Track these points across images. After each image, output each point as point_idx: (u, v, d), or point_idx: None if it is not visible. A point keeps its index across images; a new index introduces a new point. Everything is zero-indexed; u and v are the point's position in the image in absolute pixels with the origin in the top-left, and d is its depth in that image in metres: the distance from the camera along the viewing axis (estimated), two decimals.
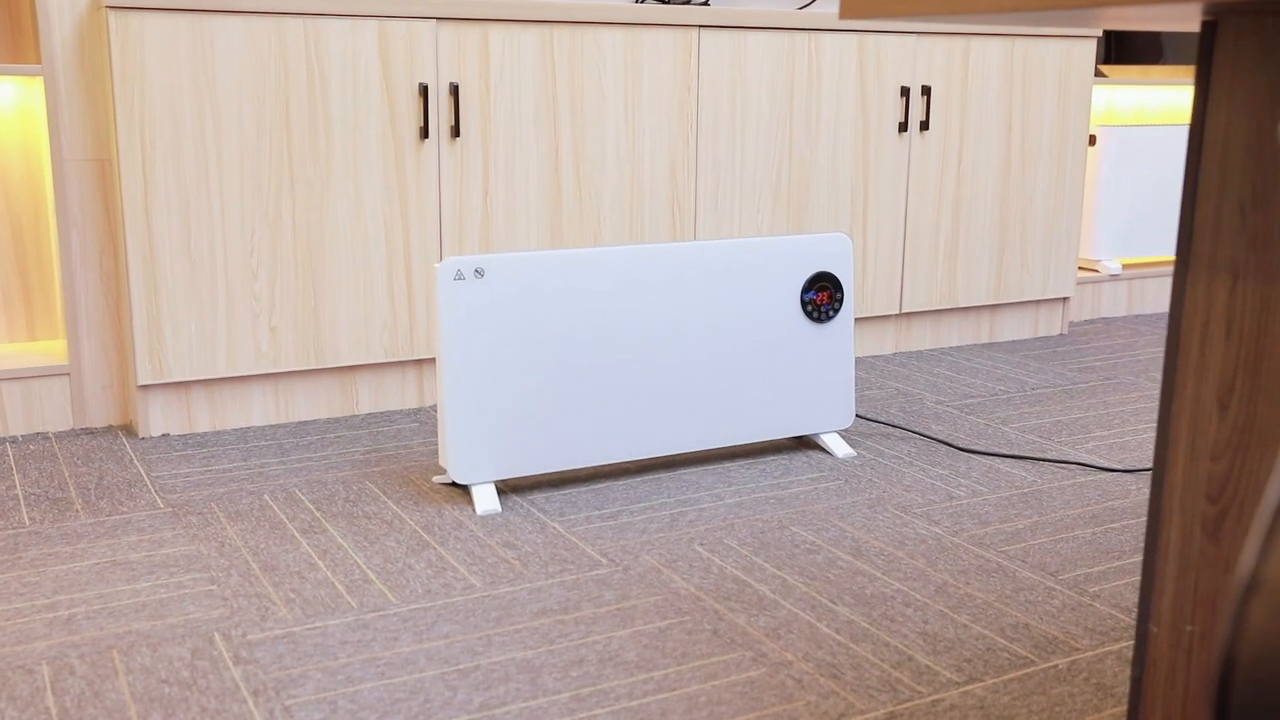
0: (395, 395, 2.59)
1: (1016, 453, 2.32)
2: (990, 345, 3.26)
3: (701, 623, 1.59)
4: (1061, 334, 3.41)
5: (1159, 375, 2.94)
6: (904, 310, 3.12)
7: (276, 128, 2.35)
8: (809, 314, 2.26)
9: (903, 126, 3.01)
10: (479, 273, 1.97)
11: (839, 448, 2.30)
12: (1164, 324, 3.56)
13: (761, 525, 1.93)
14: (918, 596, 1.67)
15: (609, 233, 2.69)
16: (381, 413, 2.57)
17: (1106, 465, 2.24)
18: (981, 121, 3.12)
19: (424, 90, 2.45)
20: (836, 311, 2.29)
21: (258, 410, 2.46)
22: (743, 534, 1.90)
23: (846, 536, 1.89)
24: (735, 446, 2.32)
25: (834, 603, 1.65)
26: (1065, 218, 3.30)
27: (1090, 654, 1.51)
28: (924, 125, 3.03)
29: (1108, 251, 3.66)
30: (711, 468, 2.21)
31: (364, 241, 2.46)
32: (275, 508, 2.00)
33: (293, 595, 1.66)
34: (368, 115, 2.42)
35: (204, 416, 2.42)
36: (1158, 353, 3.19)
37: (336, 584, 1.70)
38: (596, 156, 2.65)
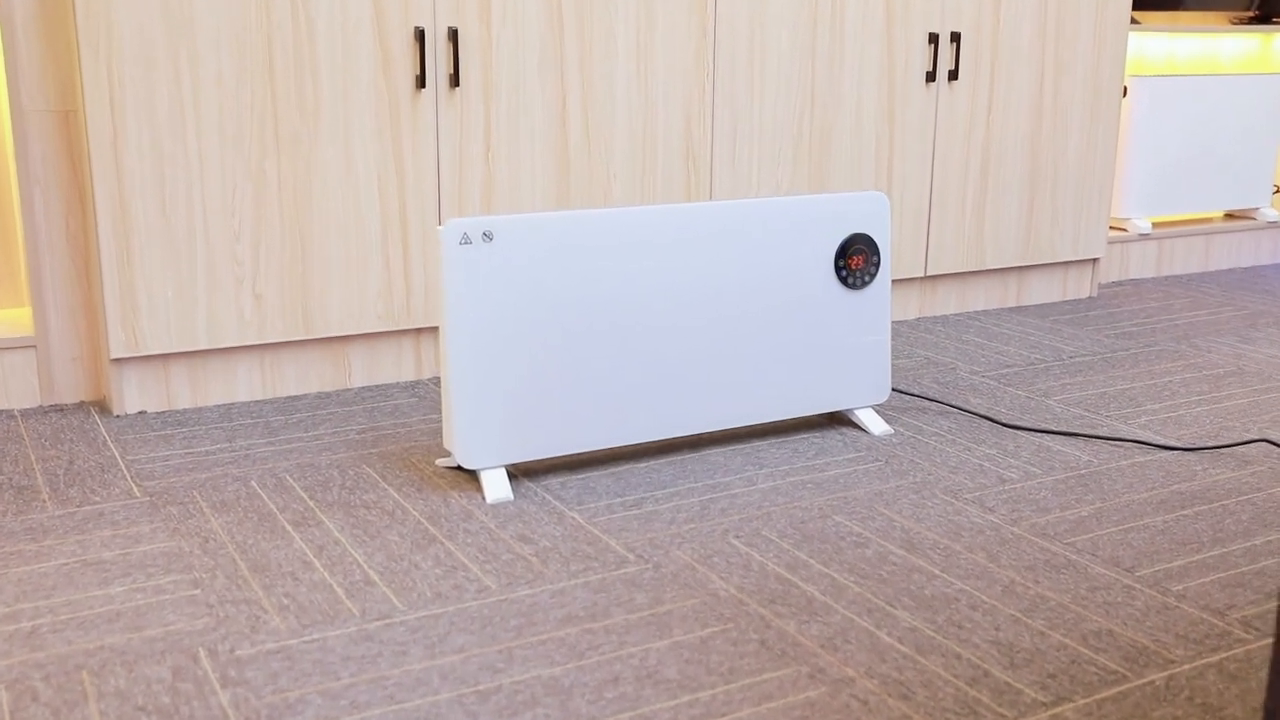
0: (391, 367, 2.40)
1: (1065, 429, 2.15)
2: (1018, 309, 3.09)
3: (747, 631, 1.41)
4: (1091, 297, 3.24)
5: (1202, 342, 2.77)
6: (929, 273, 2.94)
7: (259, 76, 2.14)
8: (843, 280, 2.08)
9: (930, 76, 2.81)
10: (487, 236, 1.77)
11: (875, 424, 2.13)
12: (1196, 286, 3.39)
13: (801, 514, 1.76)
14: (984, 598, 1.50)
15: (620, 189, 2.50)
16: (377, 386, 2.38)
17: (1165, 443, 2.07)
18: (1013, 71, 2.93)
19: (420, 35, 2.24)
20: (873, 277, 2.11)
21: (242, 385, 2.27)
22: (781, 524, 1.72)
23: (895, 526, 1.72)
24: (764, 424, 2.14)
25: (892, 605, 1.48)
26: (1097, 174, 3.12)
27: (1188, 667, 1.34)
28: (953, 75, 2.83)
29: (1137, 210, 3.48)
30: (739, 448, 2.03)
31: (356, 200, 2.26)
32: (264, 496, 1.81)
33: (286, 601, 1.48)
34: (359, 62, 2.21)
35: (184, 392, 2.23)
36: (1195, 317, 3.02)
37: (335, 587, 1.52)
38: (606, 108, 2.45)
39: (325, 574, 1.55)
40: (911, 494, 1.84)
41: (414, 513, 1.75)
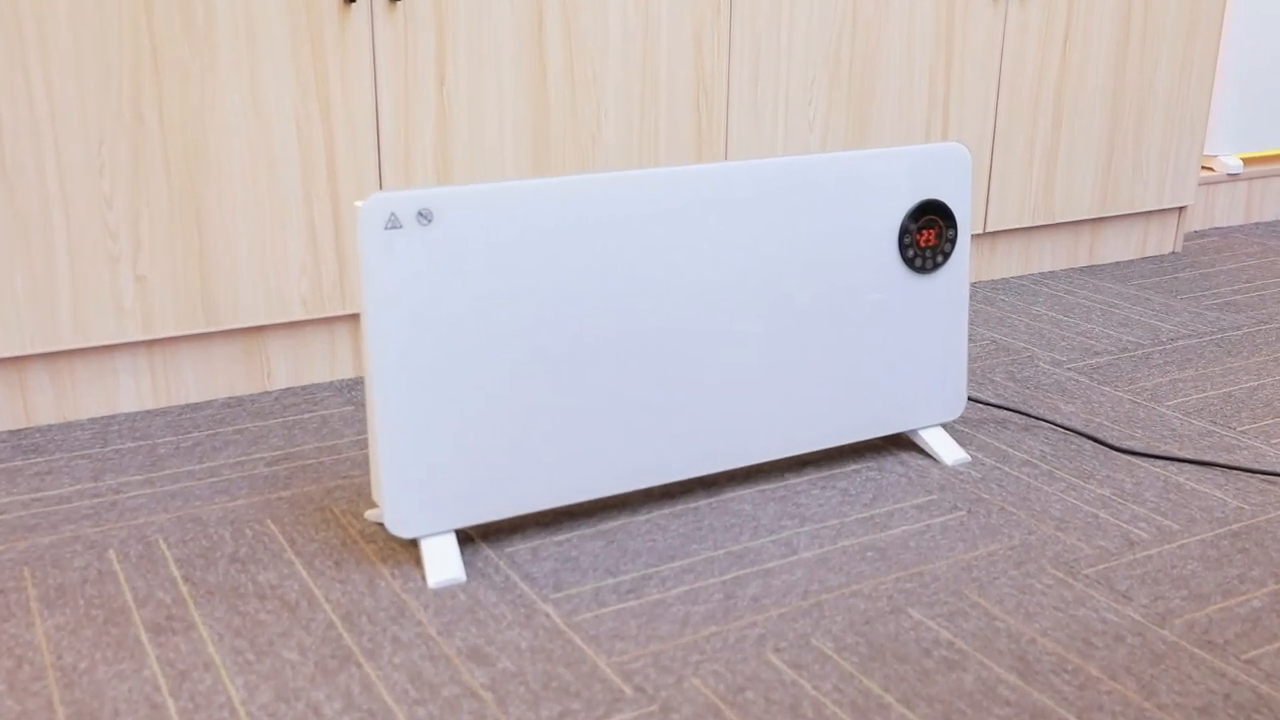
0: (320, 364, 1.89)
1: (1194, 455, 1.65)
2: (1091, 269, 2.57)
3: None
4: (1174, 252, 2.72)
5: None
6: (988, 229, 2.42)
7: None
8: (909, 260, 1.56)
9: None
10: (424, 216, 1.26)
11: (946, 450, 1.63)
12: None
13: (863, 606, 1.27)
14: None
15: (613, 136, 1.97)
16: (302, 388, 1.87)
17: None
18: None
19: None
20: (947, 256, 1.59)
21: (127, 392, 1.76)
22: (838, 625, 1.23)
23: (998, 630, 1.22)
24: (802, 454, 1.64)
25: None
26: (1191, 106, 2.58)
27: None
28: None
29: (1226, 145, 2.95)
30: (770, 489, 1.53)
31: (267, 149, 1.74)
32: (121, 576, 1.31)
33: None
34: None
35: (46, 404, 1.72)
36: None
37: None
38: (596, 29, 1.91)
39: None
40: (1011, 568, 1.35)
41: (325, 606, 1.26)
